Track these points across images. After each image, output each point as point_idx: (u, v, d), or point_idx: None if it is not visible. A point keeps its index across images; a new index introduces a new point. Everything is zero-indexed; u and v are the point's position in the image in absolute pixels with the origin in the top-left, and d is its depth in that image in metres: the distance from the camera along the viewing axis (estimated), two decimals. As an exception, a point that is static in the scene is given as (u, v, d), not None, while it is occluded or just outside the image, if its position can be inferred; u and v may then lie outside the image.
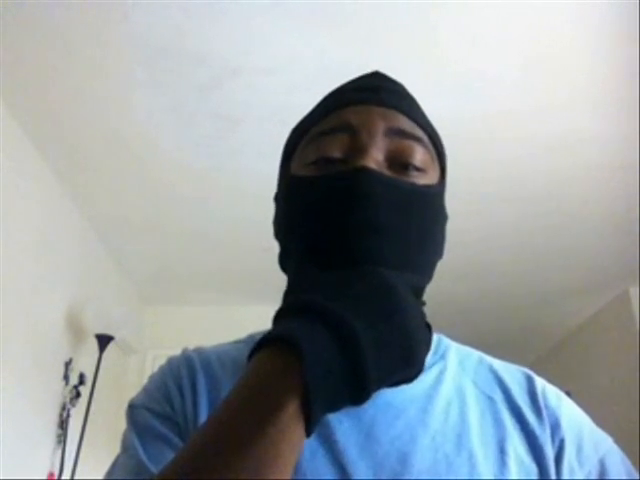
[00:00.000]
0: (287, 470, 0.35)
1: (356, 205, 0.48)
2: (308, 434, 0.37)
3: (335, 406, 0.38)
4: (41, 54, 1.82)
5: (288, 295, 0.48)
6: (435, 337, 0.58)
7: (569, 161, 2.30)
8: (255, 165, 2.28)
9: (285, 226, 0.55)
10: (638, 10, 1.65)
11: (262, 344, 0.39)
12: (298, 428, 0.36)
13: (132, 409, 0.53)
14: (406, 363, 0.40)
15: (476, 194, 2.49)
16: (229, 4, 1.66)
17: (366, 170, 0.49)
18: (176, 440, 0.49)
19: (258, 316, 3.11)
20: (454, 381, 0.54)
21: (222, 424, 0.36)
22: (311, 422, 0.36)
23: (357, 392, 0.37)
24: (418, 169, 0.52)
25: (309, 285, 0.45)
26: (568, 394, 0.58)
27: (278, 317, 0.42)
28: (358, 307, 0.40)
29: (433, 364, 0.55)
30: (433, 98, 1.85)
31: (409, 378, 0.42)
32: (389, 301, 0.41)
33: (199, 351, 0.57)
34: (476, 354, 0.60)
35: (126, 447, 0.51)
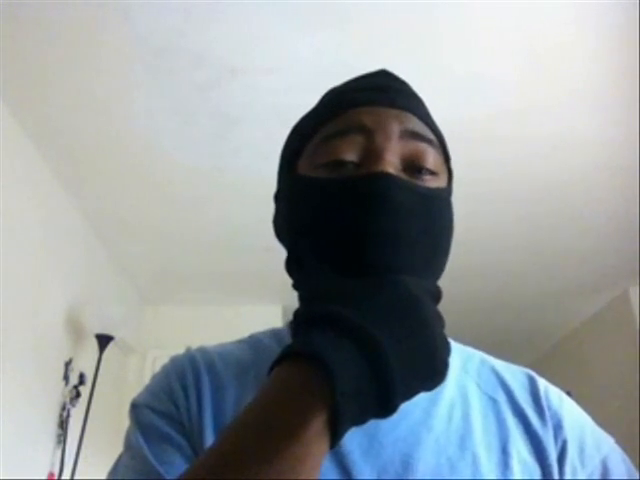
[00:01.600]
0: None
1: (376, 211, 0.47)
2: (331, 448, 0.36)
3: (361, 421, 0.37)
4: (41, 54, 1.82)
5: (310, 302, 0.47)
6: None
7: (569, 162, 2.30)
8: (255, 165, 2.28)
9: (294, 229, 0.54)
10: (638, 11, 1.65)
11: (288, 355, 0.38)
12: (323, 443, 0.35)
13: (135, 408, 0.52)
14: (431, 376, 0.40)
15: (476, 195, 2.49)
16: (229, 4, 1.66)
17: (385, 175, 0.48)
18: (180, 440, 0.49)
19: (258, 316, 3.14)
20: (457, 383, 0.54)
21: (246, 437, 0.36)
22: (337, 438, 0.36)
23: (384, 408, 0.37)
24: (431, 172, 0.51)
25: (333, 294, 0.44)
26: (568, 394, 0.58)
27: (302, 326, 0.41)
28: (384, 320, 0.39)
29: None
30: (432, 98, 1.83)
31: (431, 388, 0.42)
32: (415, 314, 0.41)
33: (202, 351, 0.57)
34: (478, 355, 0.60)
35: (130, 446, 0.50)
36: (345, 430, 0.36)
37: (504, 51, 1.82)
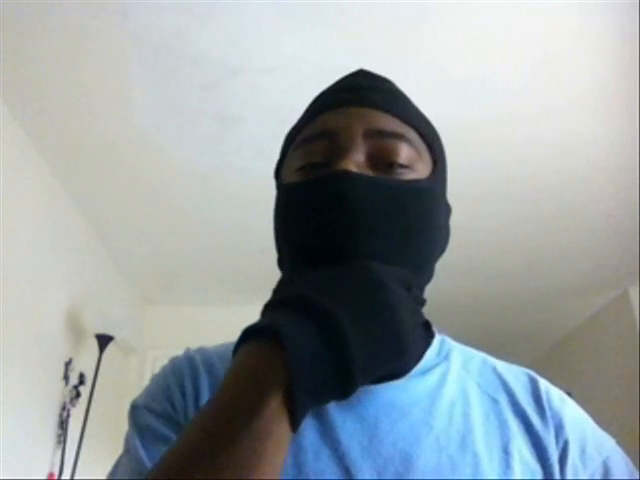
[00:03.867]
0: (274, 468, 0.35)
1: (337, 207, 0.49)
2: (294, 429, 0.36)
3: (321, 400, 0.37)
4: (41, 54, 1.82)
5: (277, 290, 0.49)
6: (438, 338, 0.58)
7: (569, 163, 2.30)
8: (255, 165, 2.28)
9: (278, 232, 0.56)
10: (638, 12, 1.65)
11: (247, 336, 0.39)
12: (282, 423, 0.35)
13: (134, 410, 0.53)
14: (394, 356, 0.40)
15: (477, 196, 2.49)
16: (229, 4, 1.66)
17: (344, 172, 0.49)
18: None
19: (258, 316, 3.14)
20: (458, 382, 0.54)
21: (207, 422, 0.36)
22: (296, 417, 0.36)
23: (343, 386, 0.37)
24: (404, 166, 0.52)
25: (298, 280, 0.45)
26: (569, 394, 0.58)
27: (265, 310, 0.43)
28: (345, 300, 0.40)
29: (436, 365, 0.54)
30: (435, 101, 1.85)
31: (399, 372, 0.42)
32: (377, 294, 0.41)
33: (201, 351, 0.57)
34: (479, 355, 0.60)
35: (128, 448, 0.51)
36: (304, 408, 0.36)
37: (506, 55, 1.82)
